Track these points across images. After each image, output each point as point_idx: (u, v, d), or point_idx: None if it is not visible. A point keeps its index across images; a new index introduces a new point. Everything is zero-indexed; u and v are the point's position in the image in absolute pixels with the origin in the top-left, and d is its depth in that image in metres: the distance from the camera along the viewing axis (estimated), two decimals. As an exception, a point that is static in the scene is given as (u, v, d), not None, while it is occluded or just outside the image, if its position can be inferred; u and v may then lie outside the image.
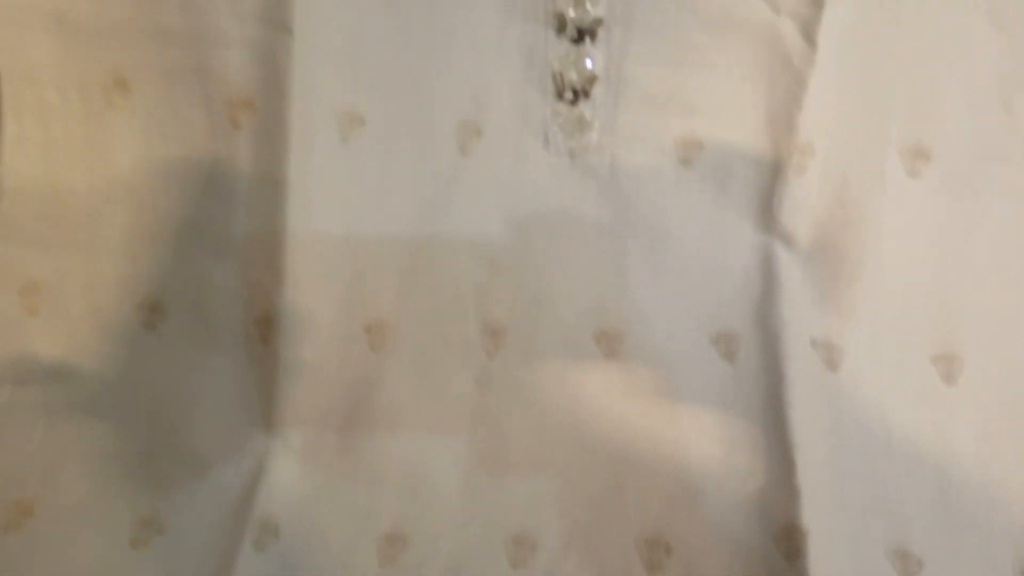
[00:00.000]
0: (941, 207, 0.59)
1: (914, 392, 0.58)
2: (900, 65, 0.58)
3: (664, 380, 0.56)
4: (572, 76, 0.56)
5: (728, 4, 0.55)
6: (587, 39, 0.56)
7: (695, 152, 0.58)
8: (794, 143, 0.57)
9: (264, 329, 0.54)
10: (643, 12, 0.55)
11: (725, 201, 0.58)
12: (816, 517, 0.53)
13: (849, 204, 0.59)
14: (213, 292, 0.54)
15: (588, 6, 0.55)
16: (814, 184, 0.58)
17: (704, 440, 0.56)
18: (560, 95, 0.56)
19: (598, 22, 0.55)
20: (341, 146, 0.54)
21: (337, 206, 0.54)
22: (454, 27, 0.55)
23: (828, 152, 0.58)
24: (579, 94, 0.57)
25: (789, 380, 0.55)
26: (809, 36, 0.55)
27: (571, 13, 0.55)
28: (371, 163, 0.55)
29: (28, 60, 0.53)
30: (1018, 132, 0.59)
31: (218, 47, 0.53)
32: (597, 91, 0.57)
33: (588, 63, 0.56)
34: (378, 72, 0.54)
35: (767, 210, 0.58)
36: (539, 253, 0.57)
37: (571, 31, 0.56)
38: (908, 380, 0.58)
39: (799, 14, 0.55)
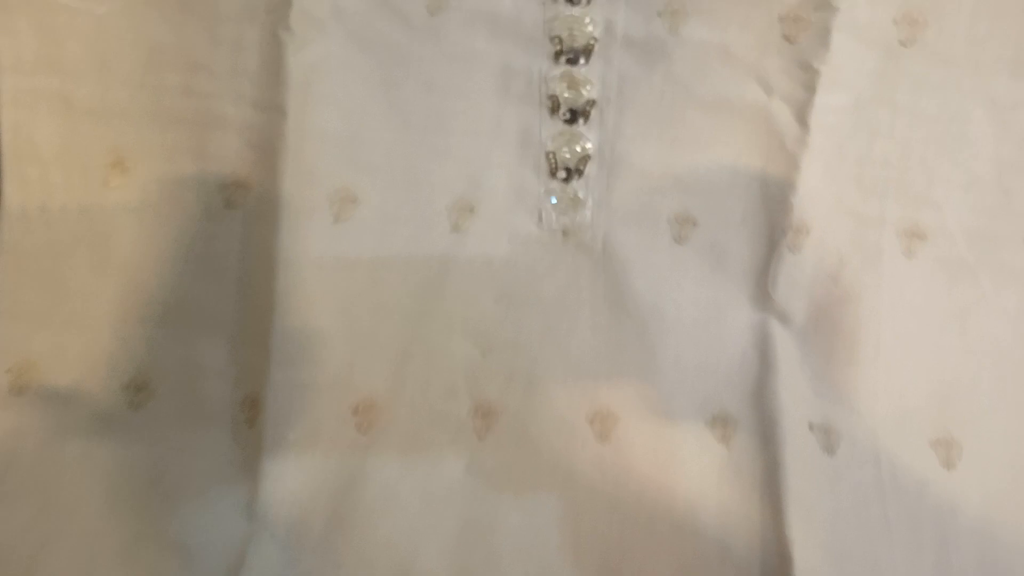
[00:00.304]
0: (938, 288, 0.59)
1: (913, 476, 0.57)
2: (895, 147, 0.58)
3: (659, 464, 0.55)
4: (565, 155, 0.57)
5: (721, 85, 0.56)
6: (580, 120, 0.56)
7: (689, 230, 0.57)
8: (789, 222, 0.56)
9: (250, 411, 0.53)
10: (636, 93, 0.56)
11: (720, 279, 0.58)
12: (814, 605, 0.52)
13: (845, 283, 0.58)
14: (201, 372, 0.54)
15: (582, 89, 0.56)
16: (809, 262, 0.58)
17: (700, 524, 0.55)
18: (553, 174, 0.57)
19: (591, 103, 0.56)
20: (334, 226, 0.54)
21: (329, 286, 0.54)
22: (451, 109, 0.55)
23: (823, 231, 0.58)
24: (572, 173, 0.57)
25: (786, 464, 0.54)
26: (802, 119, 0.55)
27: (565, 95, 0.56)
28: (364, 242, 0.54)
29: (33, 139, 0.53)
30: (1015, 215, 0.59)
31: (216, 129, 0.53)
32: (590, 169, 0.57)
33: (582, 143, 0.56)
34: (373, 152, 0.54)
35: (763, 288, 0.58)
36: (532, 332, 0.56)
37: (565, 112, 0.56)
38: (907, 464, 0.57)
39: (792, 97, 0.55)
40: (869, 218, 0.58)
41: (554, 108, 0.56)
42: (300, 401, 0.53)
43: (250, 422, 0.53)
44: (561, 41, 0.55)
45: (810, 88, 0.54)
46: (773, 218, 0.57)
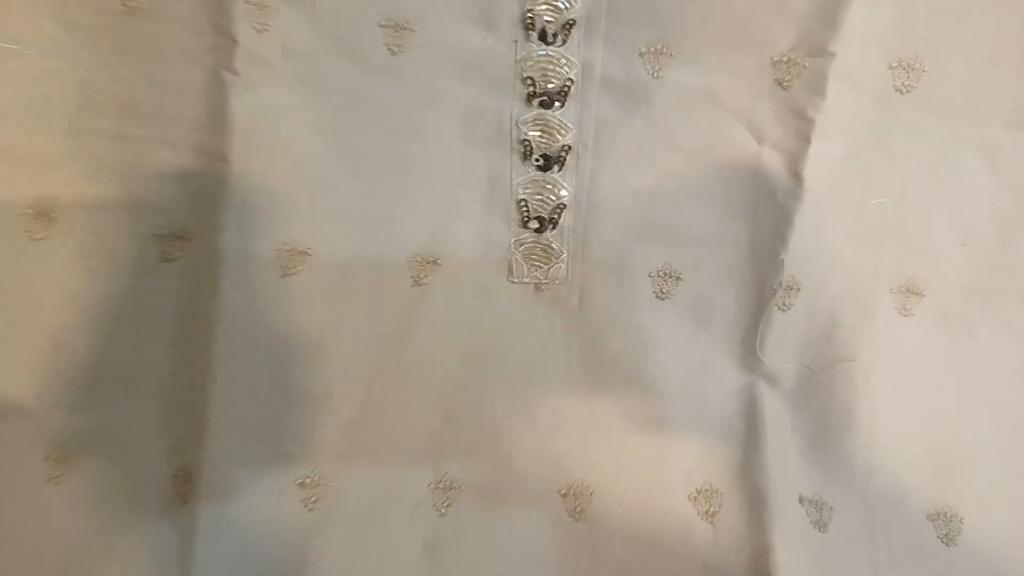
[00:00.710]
0: (935, 346, 0.55)
1: (910, 553, 0.53)
2: (890, 197, 0.54)
3: (639, 545, 0.50)
4: (538, 204, 0.52)
5: (708, 132, 0.51)
6: (555, 167, 0.52)
7: (673, 285, 0.53)
8: (779, 279, 0.52)
9: (184, 486, 0.48)
10: (616, 139, 0.51)
11: (705, 339, 0.54)
12: None
13: (839, 344, 0.54)
14: (130, 443, 0.48)
15: (557, 134, 0.51)
16: (800, 321, 0.54)
17: (683, 612, 0.50)
18: (525, 224, 0.52)
19: (567, 149, 0.51)
20: (281, 280, 0.49)
21: (274, 347, 0.49)
22: (413, 154, 0.50)
23: (815, 289, 0.54)
24: (546, 223, 0.52)
25: (775, 543, 0.50)
26: (795, 170, 0.51)
27: (538, 140, 0.51)
28: (315, 299, 0.49)
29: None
30: (1014, 268, 0.55)
31: (152, 178, 0.48)
32: (565, 219, 0.52)
33: (556, 191, 0.52)
34: (326, 202, 0.49)
35: (750, 348, 0.54)
36: (499, 398, 0.51)
37: (537, 158, 0.51)
38: (903, 540, 0.53)
39: (784, 147, 0.51)
40: (863, 272, 0.54)
41: (526, 154, 0.51)
42: (240, 475, 0.48)
43: (183, 498, 0.48)
44: (534, 83, 0.50)
45: (804, 137, 0.50)
46: (762, 274, 0.53)
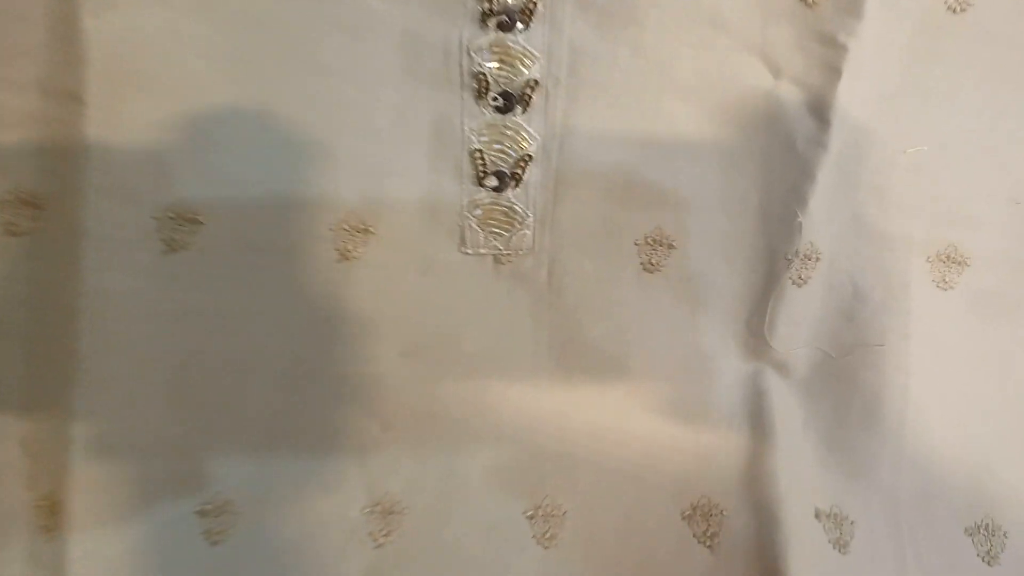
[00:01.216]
0: (978, 327, 0.46)
1: (946, 575, 0.44)
2: (929, 153, 0.44)
3: (621, 574, 0.41)
4: (497, 155, 0.41)
5: (710, 63, 0.40)
6: (518, 107, 0.41)
7: (663, 255, 0.43)
8: (794, 246, 0.42)
9: (49, 516, 0.38)
10: (595, 72, 0.40)
11: (702, 320, 0.44)
12: None
13: (863, 324, 0.45)
14: (-22, 467, 0.38)
15: (519, 64, 0.40)
16: (817, 297, 0.44)
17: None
18: (481, 181, 0.41)
19: (533, 85, 0.40)
20: (164, 258, 0.38)
21: (156, 341, 0.38)
22: (334, 92, 0.39)
23: (836, 258, 0.44)
24: (507, 179, 0.42)
25: (788, 570, 0.41)
26: (819, 112, 0.40)
27: (496, 73, 0.40)
28: (210, 279, 0.39)
29: None
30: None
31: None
32: (531, 175, 0.42)
33: (519, 139, 0.41)
34: (220, 155, 0.38)
35: (756, 330, 0.44)
36: (451, 398, 0.42)
37: (495, 97, 0.40)
38: (938, 559, 0.44)
39: (807, 82, 0.40)
40: (893, 240, 0.44)
41: (481, 91, 0.40)
42: (120, 502, 0.38)
43: (49, 531, 0.38)
44: (490, 0, 0.39)
45: (833, 69, 0.39)
46: (773, 241, 0.43)
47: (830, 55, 0.40)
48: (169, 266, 0.38)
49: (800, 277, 0.43)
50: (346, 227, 0.40)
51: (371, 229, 0.41)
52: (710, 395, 0.44)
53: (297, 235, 0.40)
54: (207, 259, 0.39)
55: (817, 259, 0.43)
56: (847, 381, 0.45)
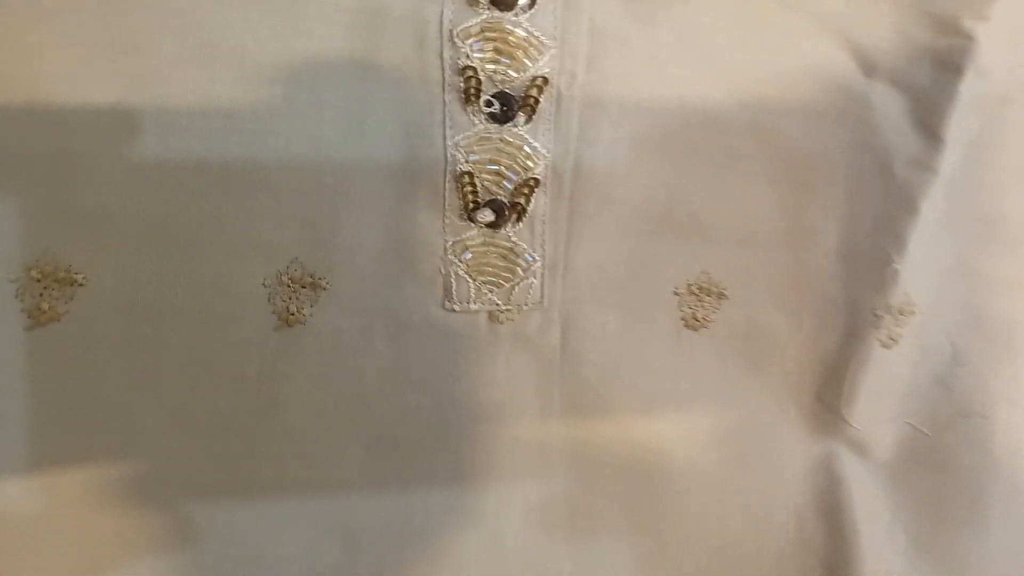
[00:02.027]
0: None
1: None
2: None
3: None
4: (492, 180, 0.30)
5: (778, 50, 0.30)
6: (520, 114, 0.30)
7: (711, 308, 0.32)
8: (885, 297, 0.32)
9: None
10: (623, 63, 0.29)
11: (758, 387, 0.33)
12: None
13: (964, 391, 0.35)
14: None
15: (522, 54, 0.29)
16: (907, 361, 0.34)
17: None
18: (471, 214, 0.30)
19: (540, 84, 0.29)
20: (28, 335, 0.27)
21: (20, 445, 0.27)
22: (265, 91, 0.28)
23: (933, 311, 0.34)
24: (506, 212, 0.31)
25: None
26: (929, 125, 0.29)
27: (490, 67, 0.29)
28: (93, 360, 0.28)
29: None
30: None
31: None
32: (539, 205, 0.31)
33: (522, 155, 0.30)
34: (106, 183, 0.27)
35: (830, 402, 0.34)
36: (433, 508, 0.31)
37: (490, 100, 0.29)
38: None
39: (912, 83, 0.29)
40: (1003, 287, 0.34)
41: (470, 93, 0.29)
42: None
43: None
44: (481, -38, 0.28)
45: (951, 67, 0.29)
46: (857, 290, 0.32)
47: (948, 46, 0.29)
48: (35, 341, 0.27)
49: (890, 337, 0.33)
50: (287, 281, 0.29)
51: (322, 283, 0.30)
52: (771, 487, 0.34)
53: (218, 294, 0.29)
54: (91, 333, 0.28)
55: (912, 313, 0.33)
56: (944, 465, 0.35)
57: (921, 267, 0.32)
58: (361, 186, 0.29)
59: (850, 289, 0.32)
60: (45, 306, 0.27)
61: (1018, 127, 0.32)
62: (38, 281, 0.27)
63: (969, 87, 0.29)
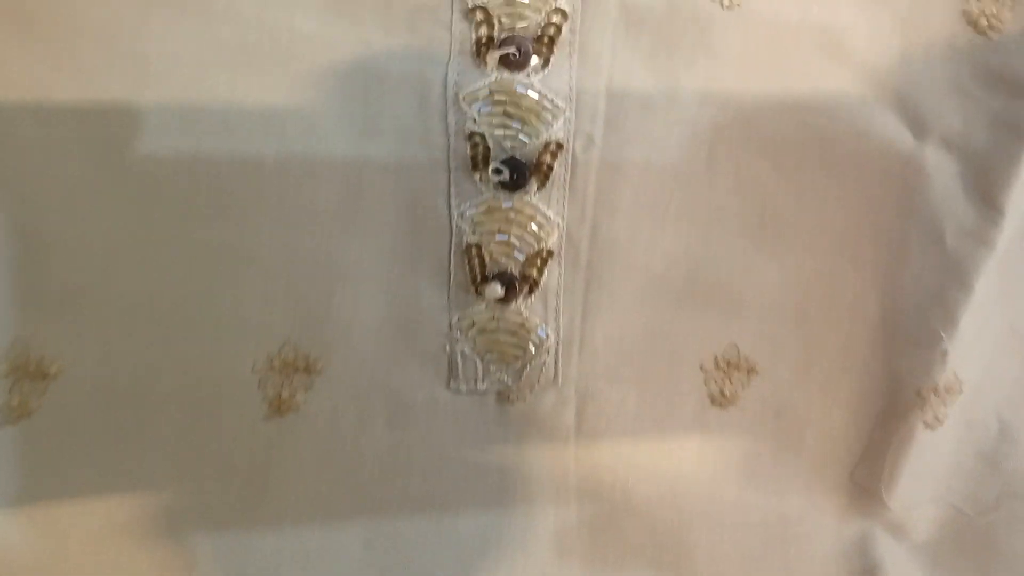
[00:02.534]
0: None
1: None
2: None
3: None
4: (501, 251, 0.28)
5: (817, 111, 0.27)
6: (532, 181, 0.27)
7: (740, 384, 0.30)
8: (932, 379, 0.29)
9: None
10: (644, 123, 0.26)
11: (791, 467, 0.31)
12: None
13: (1011, 469, 0.32)
14: None
15: (535, 117, 0.26)
16: (952, 439, 0.31)
17: None
18: (478, 288, 0.28)
19: (554, 149, 0.27)
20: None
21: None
22: (254, 158, 0.25)
23: (981, 387, 0.31)
24: (517, 285, 0.28)
25: None
26: (987, 193, 0.26)
27: (500, 131, 0.26)
28: (70, 452, 0.25)
29: None
30: None
31: None
32: (552, 277, 0.28)
33: (535, 223, 0.28)
34: (80, 256, 0.25)
35: (868, 482, 0.31)
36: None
37: (499, 167, 0.27)
38: None
39: (969, 147, 0.26)
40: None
41: (477, 160, 0.26)
42: None
43: None
44: (489, 17, 0.25)
45: (1014, 129, 0.26)
46: (900, 367, 0.29)
47: (1012, 109, 0.26)
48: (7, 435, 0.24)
49: (935, 418, 0.30)
50: (279, 365, 0.27)
51: (317, 365, 0.27)
52: (801, 573, 0.31)
53: (204, 381, 0.26)
54: (63, 426, 0.25)
55: (960, 391, 0.30)
56: (990, 547, 0.32)
57: (972, 344, 0.29)
58: (359, 260, 0.27)
59: (893, 367, 0.29)
60: (15, 402, 0.25)
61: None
62: (7, 376, 0.24)
63: (1036, 151, 0.26)
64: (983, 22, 0.25)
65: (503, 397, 0.29)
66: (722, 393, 0.30)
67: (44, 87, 0.23)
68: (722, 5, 0.25)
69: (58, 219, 0.25)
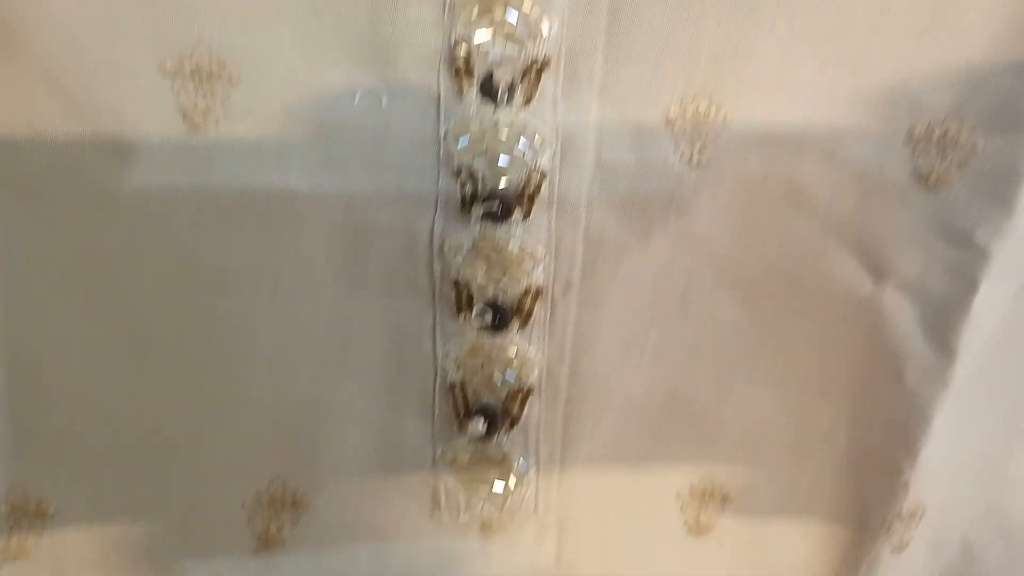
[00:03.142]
0: None
1: None
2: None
3: None
4: (483, 387, 0.29)
5: (782, 252, 0.28)
6: (514, 321, 0.28)
7: (715, 512, 0.31)
8: (895, 508, 0.30)
9: None
10: (621, 271, 0.27)
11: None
12: None
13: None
14: None
15: (515, 268, 0.27)
16: (918, 562, 0.32)
17: None
18: (461, 423, 0.28)
19: (535, 293, 0.28)
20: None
21: None
22: (247, 304, 0.26)
23: (945, 510, 0.32)
24: (499, 420, 0.29)
25: None
26: (941, 337, 0.28)
27: (482, 280, 0.28)
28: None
29: None
30: None
31: None
32: (533, 412, 0.29)
33: (515, 362, 0.29)
34: (81, 398, 0.25)
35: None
36: None
37: (483, 309, 0.28)
38: None
39: (924, 292, 0.28)
40: (1017, 485, 0.32)
41: (461, 304, 0.28)
42: None
43: None
44: (473, 176, 0.26)
45: (965, 278, 0.27)
46: (866, 495, 0.30)
47: (961, 259, 0.27)
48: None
49: (901, 541, 0.31)
50: (267, 500, 0.27)
51: (304, 500, 0.28)
52: None
53: (194, 518, 0.27)
54: (56, 566, 0.26)
55: (921, 517, 0.31)
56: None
57: (935, 471, 0.30)
58: (346, 399, 0.28)
59: (861, 495, 0.30)
60: (14, 543, 0.25)
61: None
62: (7, 516, 0.25)
63: (985, 297, 0.27)
64: (932, 180, 0.27)
65: (485, 528, 0.29)
66: (698, 521, 0.31)
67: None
68: (689, 164, 0.26)
69: (52, 365, 0.25)
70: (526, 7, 0.25)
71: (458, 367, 0.28)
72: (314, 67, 0.24)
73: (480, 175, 0.26)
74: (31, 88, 0.22)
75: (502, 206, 0.26)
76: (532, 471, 0.29)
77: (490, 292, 0.27)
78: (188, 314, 0.26)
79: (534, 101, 0.25)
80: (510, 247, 0.27)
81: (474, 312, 0.27)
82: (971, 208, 0.26)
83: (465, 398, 0.28)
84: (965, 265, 0.27)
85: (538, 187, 0.27)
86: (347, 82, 0.25)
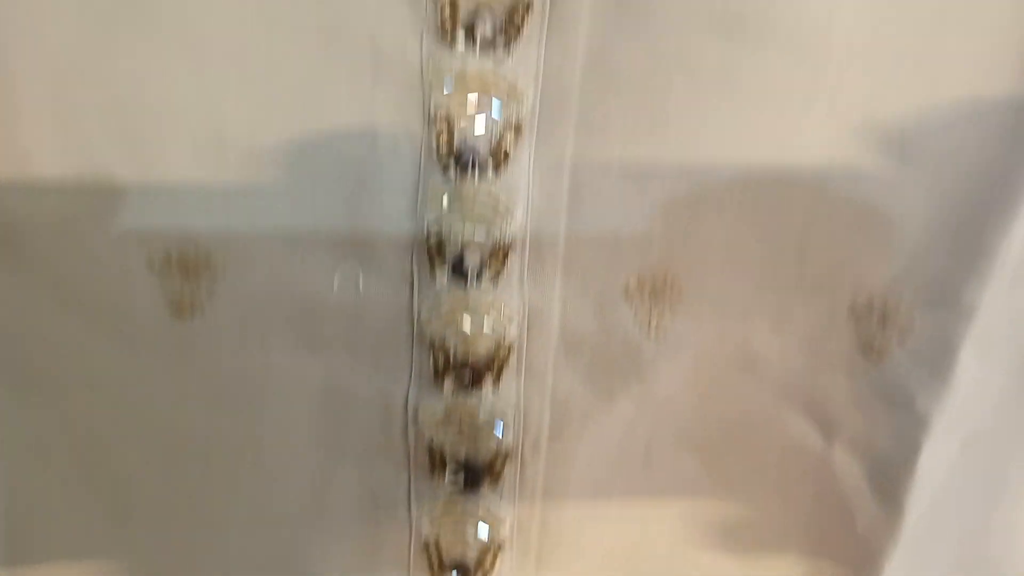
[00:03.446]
0: None
1: None
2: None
3: None
4: (454, 544, 0.30)
5: (739, 420, 0.30)
6: (485, 480, 0.29)
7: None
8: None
9: None
10: (587, 432, 0.29)
11: None
12: None
13: None
14: None
15: (484, 432, 0.29)
16: None
17: None
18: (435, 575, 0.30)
19: (504, 456, 0.29)
20: None
21: None
22: (229, 473, 0.28)
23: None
24: (470, 573, 0.30)
25: None
26: (889, 493, 0.29)
27: (454, 444, 0.29)
28: None
29: None
30: None
31: None
32: (504, 567, 0.30)
33: (485, 520, 0.30)
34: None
35: None
36: None
37: (455, 471, 0.29)
38: None
39: (871, 451, 0.29)
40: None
41: (434, 467, 0.29)
42: None
43: None
44: (445, 348, 0.28)
45: (908, 440, 0.29)
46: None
47: (903, 423, 0.29)
48: None
49: None
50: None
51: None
52: None
53: None
54: None
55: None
56: None
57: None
58: (321, 556, 0.29)
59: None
60: None
61: (977, 472, 0.32)
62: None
63: (929, 456, 0.29)
64: (875, 351, 0.28)
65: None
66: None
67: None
68: (648, 336, 0.28)
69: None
70: (494, 194, 0.26)
71: (432, 523, 0.29)
72: (295, 256, 0.26)
73: (452, 348, 0.28)
74: None
75: (473, 376, 0.28)
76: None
77: (462, 455, 0.29)
78: (172, 481, 0.27)
79: (502, 279, 0.27)
80: (481, 413, 0.28)
81: (447, 474, 0.29)
82: (911, 378, 0.28)
83: (439, 554, 0.29)
84: (907, 429, 0.28)
85: (506, 357, 0.28)
86: (326, 268, 0.26)
